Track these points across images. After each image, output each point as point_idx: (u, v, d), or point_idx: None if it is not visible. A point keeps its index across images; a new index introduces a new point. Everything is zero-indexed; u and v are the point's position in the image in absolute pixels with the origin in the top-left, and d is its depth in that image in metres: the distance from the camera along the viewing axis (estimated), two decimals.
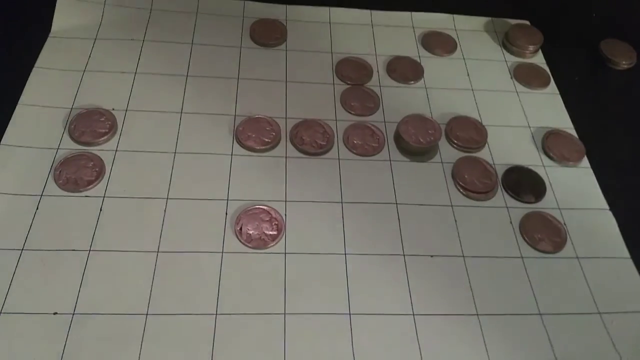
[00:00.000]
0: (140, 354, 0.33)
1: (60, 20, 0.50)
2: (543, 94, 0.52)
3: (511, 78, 0.53)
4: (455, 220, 0.42)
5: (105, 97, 0.45)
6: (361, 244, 0.40)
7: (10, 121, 0.43)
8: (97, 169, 0.41)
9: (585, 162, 0.47)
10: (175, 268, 0.37)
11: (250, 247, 0.38)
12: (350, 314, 0.36)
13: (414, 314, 0.37)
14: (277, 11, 0.55)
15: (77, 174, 0.40)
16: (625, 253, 0.41)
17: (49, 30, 0.50)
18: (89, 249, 0.37)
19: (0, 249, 0.36)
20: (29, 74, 0.46)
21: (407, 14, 0.57)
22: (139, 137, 0.43)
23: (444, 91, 0.50)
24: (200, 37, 0.51)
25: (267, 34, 0.52)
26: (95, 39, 0.50)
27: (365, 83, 0.50)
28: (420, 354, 0.35)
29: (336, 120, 0.47)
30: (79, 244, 0.37)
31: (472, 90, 0.51)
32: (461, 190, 0.43)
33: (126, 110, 0.45)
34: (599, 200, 0.44)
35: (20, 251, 0.36)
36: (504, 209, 0.43)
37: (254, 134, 0.44)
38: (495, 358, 0.35)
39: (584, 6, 0.61)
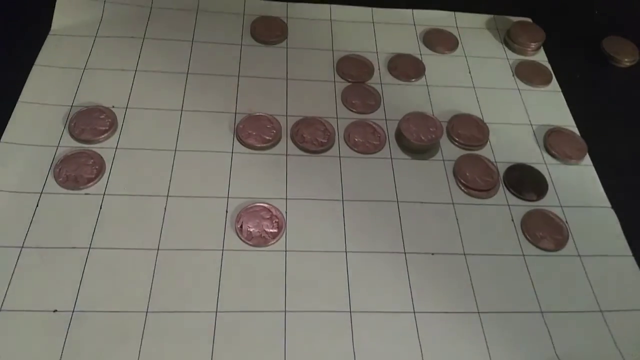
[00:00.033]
0: (140, 352, 0.33)
1: (61, 17, 0.50)
2: (545, 91, 0.51)
3: (513, 76, 0.52)
4: (457, 218, 0.42)
5: (105, 95, 0.45)
6: (362, 241, 0.39)
7: (10, 119, 0.43)
8: (97, 167, 0.41)
9: (587, 159, 0.46)
10: (175, 265, 0.37)
11: (250, 245, 0.38)
12: (350, 312, 0.36)
13: (414, 312, 0.37)
14: (277, 9, 0.55)
15: (77, 171, 0.40)
16: (627, 251, 0.41)
17: (49, 28, 0.49)
18: (89, 246, 0.37)
19: (0, 246, 0.36)
20: (29, 72, 0.46)
21: (408, 11, 0.56)
22: (139, 134, 0.43)
23: (445, 89, 0.50)
24: (201, 34, 0.51)
25: (268, 32, 0.52)
26: (96, 37, 0.49)
27: (366, 81, 0.50)
28: (421, 352, 0.35)
29: (337, 117, 0.46)
30: (79, 242, 0.37)
31: (474, 87, 0.51)
32: (462, 188, 0.43)
33: (126, 108, 0.45)
34: (601, 198, 0.44)
35: (20, 248, 0.36)
36: (506, 207, 0.43)
37: (254, 132, 0.44)
38: (497, 356, 0.35)
39: (586, 3, 0.61)
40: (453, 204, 0.42)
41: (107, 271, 0.36)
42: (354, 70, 0.50)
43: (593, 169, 0.46)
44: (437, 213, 0.42)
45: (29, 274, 0.35)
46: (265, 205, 0.40)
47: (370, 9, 0.56)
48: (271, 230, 0.39)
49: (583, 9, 0.61)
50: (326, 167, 0.43)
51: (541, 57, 0.55)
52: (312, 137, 0.44)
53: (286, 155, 0.43)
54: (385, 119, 0.47)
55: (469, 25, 0.57)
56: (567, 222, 0.42)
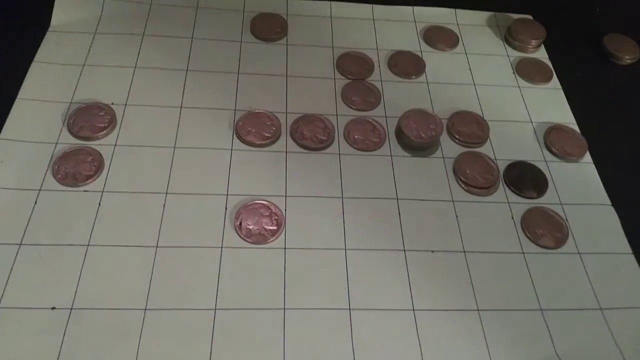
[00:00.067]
0: (138, 349, 0.33)
1: (60, 14, 0.50)
2: (545, 89, 0.51)
3: (513, 73, 0.52)
4: (457, 216, 0.41)
5: (104, 92, 0.45)
6: (361, 239, 0.39)
7: (9, 115, 0.43)
8: (96, 164, 0.41)
9: (587, 157, 0.46)
10: (174, 263, 0.37)
11: (250, 242, 0.38)
12: (350, 309, 0.36)
13: (414, 310, 0.36)
14: (277, 5, 0.54)
15: (75, 168, 0.40)
16: (627, 248, 0.41)
17: (48, 25, 0.49)
18: (87, 243, 0.37)
19: None
20: (28, 69, 0.46)
21: (408, 8, 0.56)
22: (138, 131, 0.43)
23: (445, 86, 0.50)
24: (201, 31, 0.51)
25: (268, 29, 0.52)
26: (95, 33, 0.49)
27: (367, 78, 0.50)
28: (421, 350, 0.35)
29: (337, 115, 0.46)
30: (77, 239, 0.37)
31: (474, 85, 0.50)
32: (462, 185, 0.43)
33: (125, 105, 0.45)
34: (601, 195, 0.44)
35: (18, 246, 0.36)
36: (506, 205, 0.43)
37: (254, 129, 0.44)
38: (496, 354, 0.35)
39: (587, 1, 0.61)
40: (453, 201, 0.42)
41: (106, 268, 0.36)
42: (354, 67, 0.50)
43: (593, 166, 0.46)
44: (437, 211, 0.42)
45: (28, 271, 0.35)
46: (265, 202, 0.40)
47: (370, 5, 0.56)
48: (270, 228, 0.39)
49: (584, 6, 0.61)
50: (326, 165, 0.43)
51: (542, 55, 0.54)
52: (311, 134, 0.44)
53: (286, 152, 0.43)
54: (385, 116, 0.47)
55: (470, 23, 0.56)
56: (567, 219, 0.42)
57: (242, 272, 0.37)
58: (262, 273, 0.37)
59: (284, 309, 0.36)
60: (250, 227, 0.39)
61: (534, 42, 0.54)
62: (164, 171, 0.41)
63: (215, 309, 0.35)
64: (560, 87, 0.52)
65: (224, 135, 0.44)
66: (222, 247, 0.38)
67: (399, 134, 0.45)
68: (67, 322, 0.34)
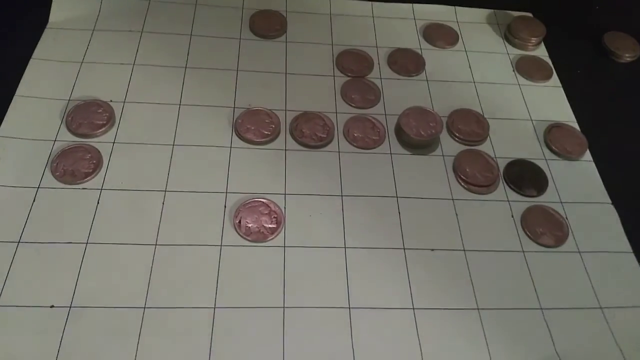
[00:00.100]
0: (137, 348, 0.33)
1: (58, 11, 0.50)
2: (545, 86, 0.51)
3: (513, 71, 0.52)
4: (456, 214, 0.41)
5: (103, 89, 0.45)
6: (361, 237, 0.39)
7: (7, 113, 0.42)
8: (94, 161, 0.40)
9: (587, 155, 0.46)
10: (173, 261, 0.37)
11: (249, 241, 0.38)
12: (349, 308, 0.36)
13: (414, 308, 0.36)
14: (277, 2, 0.54)
15: (74, 166, 0.40)
16: (628, 247, 0.41)
17: (47, 21, 0.49)
18: (86, 241, 0.37)
19: None
20: (26, 66, 0.46)
21: (408, 5, 0.56)
22: (137, 129, 0.43)
23: (445, 84, 0.50)
24: (200, 28, 0.51)
25: (267, 26, 0.52)
26: (93, 30, 0.49)
27: (366, 75, 0.50)
28: (420, 349, 0.35)
29: (336, 112, 0.46)
30: (76, 237, 0.37)
31: (474, 82, 0.50)
32: (462, 183, 0.43)
33: (124, 102, 0.44)
34: (601, 194, 0.44)
35: (16, 244, 0.36)
36: (506, 203, 0.42)
37: (253, 127, 0.44)
38: (496, 352, 0.35)
39: None
40: (453, 199, 0.42)
41: (105, 266, 0.36)
42: (353, 65, 0.50)
43: (593, 164, 0.46)
44: (436, 209, 0.41)
45: (26, 269, 0.35)
46: (264, 200, 0.40)
47: (370, 2, 0.56)
48: (270, 226, 0.39)
49: (584, 4, 0.60)
50: (325, 163, 0.43)
51: (542, 52, 0.54)
52: (311, 132, 0.44)
53: (285, 150, 0.43)
54: (385, 114, 0.47)
55: (470, 20, 0.56)
56: (567, 218, 0.42)
57: (241, 271, 0.37)
58: (261, 271, 0.37)
59: (284, 307, 0.35)
60: (250, 225, 0.39)
61: (533, 40, 0.54)
62: (163, 169, 0.41)
63: (215, 308, 0.35)
64: (560, 85, 0.51)
65: (223, 133, 0.44)
66: (221, 246, 0.38)
67: (399, 131, 0.45)
68: (66, 320, 0.33)
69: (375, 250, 0.39)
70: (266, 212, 0.39)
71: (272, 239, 0.38)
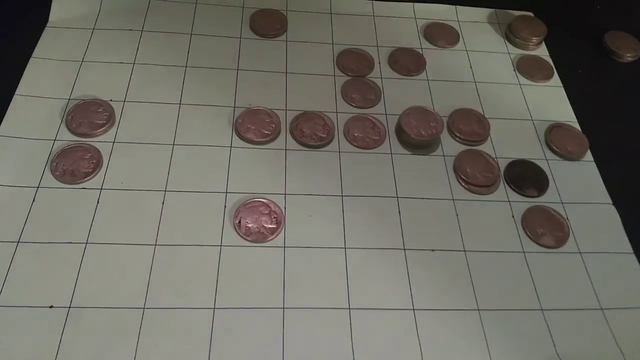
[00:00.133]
0: (137, 348, 0.33)
1: (58, 10, 0.50)
2: (546, 86, 0.51)
3: (514, 70, 0.52)
4: (457, 214, 0.41)
5: (103, 88, 0.45)
6: (361, 237, 0.39)
7: (7, 112, 0.42)
8: (94, 161, 0.40)
9: (588, 155, 0.46)
10: (173, 261, 0.37)
11: (249, 241, 0.38)
12: (349, 309, 0.36)
13: (414, 309, 0.36)
14: (277, 1, 0.54)
15: (74, 165, 0.40)
16: (629, 248, 0.41)
17: (47, 20, 0.49)
18: (85, 241, 0.37)
19: None
20: (26, 65, 0.45)
21: (409, 4, 0.56)
22: (137, 128, 0.43)
23: (446, 83, 0.50)
24: (200, 27, 0.51)
25: (268, 25, 0.52)
26: (94, 29, 0.49)
27: (367, 75, 0.49)
28: (421, 350, 0.35)
29: (337, 112, 0.46)
30: (75, 237, 0.37)
31: (475, 82, 0.50)
32: (463, 183, 0.43)
33: (124, 102, 0.44)
34: (602, 194, 0.44)
35: (16, 243, 0.36)
36: (506, 203, 0.42)
37: (253, 126, 0.44)
38: (496, 354, 0.35)
39: None
40: (453, 200, 0.42)
41: (104, 267, 0.36)
42: (354, 64, 0.50)
43: (594, 164, 0.46)
44: (437, 209, 0.41)
45: (25, 269, 0.35)
46: (264, 200, 0.40)
47: (370, 2, 0.55)
48: (270, 226, 0.39)
49: (585, 3, 0.60)
50: (325, 163, 0.43)
51: (542, 52, 0.54)
52: (311, 132, 0.44)
53: (285, 150, 0.43)
54: (386, 114, 0.47)
55: (470, 19, 0.56)
56: (568, 218, 0.42)
57: (241, 271, 0.37)
58: (261, 272, 0.37)
59: (283, 308, 0.35)
60: (250, 226, 0.38)
61: (534, 40, 0.54)
62: (163, 168, 0.41)
63: (214, 308, 0.35)
64: (561, 84, 0.51)
65: (223, 133, 0.43)
66: (221, 246, 0.38)
67: (399, 131, 0.45)
68: (65, 320, 0.33)
69: (375, 250, 0.39)
70: (266, 212, 0.39)
71: (272, 239, 0.38)
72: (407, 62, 0.51)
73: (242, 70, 0.48)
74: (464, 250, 0.39)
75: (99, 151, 0.41)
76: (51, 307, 0.34)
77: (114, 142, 0.42)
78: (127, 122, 0.43)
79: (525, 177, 0.44)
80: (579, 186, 0.44)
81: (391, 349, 0.35)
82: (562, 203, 0.43)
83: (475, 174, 0.43)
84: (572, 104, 0.50)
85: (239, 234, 0.38)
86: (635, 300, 0.38)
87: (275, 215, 0.39)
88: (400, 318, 0.36)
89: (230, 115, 0.45)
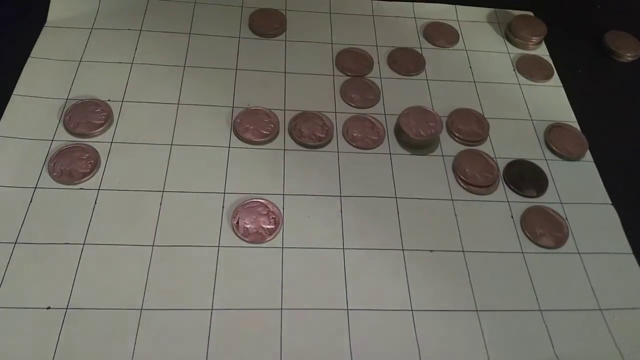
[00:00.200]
0: (134, 349, 0.33)
1: (56, 9, 0.49)
2: (546, 86, 0.51)
3: (514, 70, 0.52)
4: (456, 215, 0.41)
5: (101, 88, 0.45)
6: (360, 238, 0.39)
7: (4, 112, 0.42)
8: (92, 161, 0.40)
9: (588, 156, 0.46)
10: (170, 262, 0.36)
11: (247, 241, 0.38)
12: (348, 310, 0.36)
13: (412, 310, 0.36)
14: (276, 1, 0.54)
15: (71, 166, 0.40)
16: (628, 248, 0.41)
17: (45, 20, 0.49)
18: (83, 242, 0.37)
19: None
20: (24, 64, 0.45)
21: (408, 4, 0.56)
22: (135, 128, 0.43)
23: (445, 83, 0.50)
24: (199, 27, 0.50)
25: (267, 24, 0.51)
26: (92, 29, 0.49)
27: (366, 74, 0.49)
28: (419, 351, 0.35)
29: (335, 112, 0.46)
30: (73, 237, 0.37)
31: (474, 82, 0.50)
32: (462, 184, 0.43)
33: (122, 102, 0.44)
34: (602, 195, 0.44)
35: (13, 244, 0.36)
36: (505, 204, 0.42)
37: (251, 126, 0.44)
38: (495, 355, 0.35)
39: None
40: (452, 200, 0.42)
41: (102, 267, 0.36)
42: (353, 64, 0.50)
43: (594, 165, 0.45)
44: (436, 210, 0.41)
45: (23, 270, 0.35)
46: (262, 201, 0.40)
47: (370, 1, 0.55)
48: (268, 227, 0.39)
49: (585, 3, 0.60)
50: (324, 163, 0.43)
51: (542, 52, 0.54)
52: (310, 132, 0.44)
53: (284, 150, 0.43)
54: (385, 114, 0.46)
55: (470, 19, 0.56)
56: (567, 219, 0.42)
57: (239, 272, 0.37)
58: (259, 273, 0.37)
59: (281, 309, 0.35)
60: (248, 226, 0.38)
61: (534, 39, 0.54)
62: (161, 169, 0.41)
63: (212, 309, 0.35)
64: (561, 84, 0.51)
65: (222, 133, 0.43)
66: (219, 247, 0.37)
67: (398, 131, 0.45)
68: (63, 322, 0.33)
69: (373, 251, 0.39)
70: (264, 212, 0.39)
71: (270, 239, 0.38)
72: (407, 62, 0.51)
73: (241, 70, 0.48)
74: (463, 251, 0.39)
75: (96, 151, 0.41)
76: (49, 308, 0.34)
77: (111, 142, 0.42)
78: (125, 122, 0.43)
79: (525, 177, 0.44)
80: (578, 186, 0.44)
81: (389, 350, 0.34)
82: (561, 203, 0.43)
83: (474, 174, 0.43)
84: (571, 103, 0.50)
85: (237, 235, 0.38)
86: (634, 300, 0.38)
87: (274, 216, 0.39)
88: (398, 319, 0.36)
89: (228, 115, 0.44)
